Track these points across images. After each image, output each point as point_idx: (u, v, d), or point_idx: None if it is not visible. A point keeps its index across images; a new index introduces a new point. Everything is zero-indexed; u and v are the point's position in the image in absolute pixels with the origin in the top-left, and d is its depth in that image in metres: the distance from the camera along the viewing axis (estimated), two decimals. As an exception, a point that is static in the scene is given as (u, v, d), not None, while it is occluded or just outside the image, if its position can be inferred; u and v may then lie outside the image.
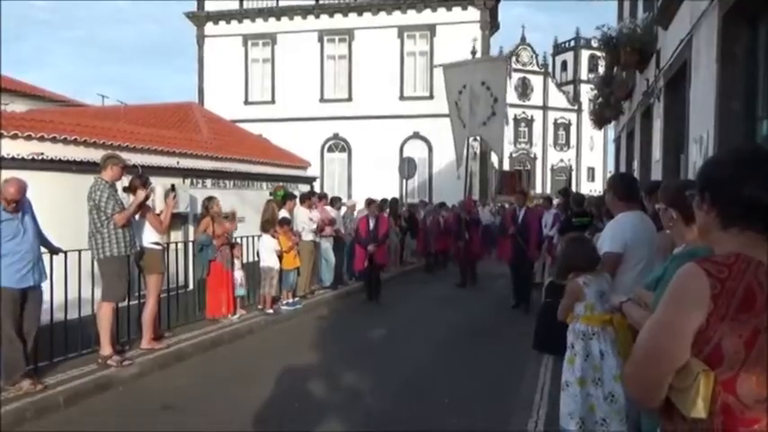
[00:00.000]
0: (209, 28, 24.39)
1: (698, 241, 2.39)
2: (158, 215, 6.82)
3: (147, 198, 6.21)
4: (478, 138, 18.89)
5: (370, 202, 11.17)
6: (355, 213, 12.72)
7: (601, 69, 13.63)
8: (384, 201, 14.30)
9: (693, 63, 5.34)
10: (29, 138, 9.33)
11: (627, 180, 4.02)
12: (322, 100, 23.64)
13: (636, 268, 3.44)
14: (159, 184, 10.27)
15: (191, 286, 9.23)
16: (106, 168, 5.89)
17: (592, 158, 50.52)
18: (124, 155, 10.56)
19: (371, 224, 10.45)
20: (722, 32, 4.28)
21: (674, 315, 1.42)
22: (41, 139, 9.47)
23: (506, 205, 17.50)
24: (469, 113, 11.95)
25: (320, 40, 23.75)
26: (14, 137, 9.17)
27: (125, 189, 6.40)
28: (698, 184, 1.58)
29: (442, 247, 14.44)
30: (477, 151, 22.68)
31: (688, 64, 5.51)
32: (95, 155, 9.61)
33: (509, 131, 44.76)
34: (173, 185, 7.34)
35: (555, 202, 12.15)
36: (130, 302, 6.62)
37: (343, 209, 12.52)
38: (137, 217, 6.34)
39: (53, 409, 4.89)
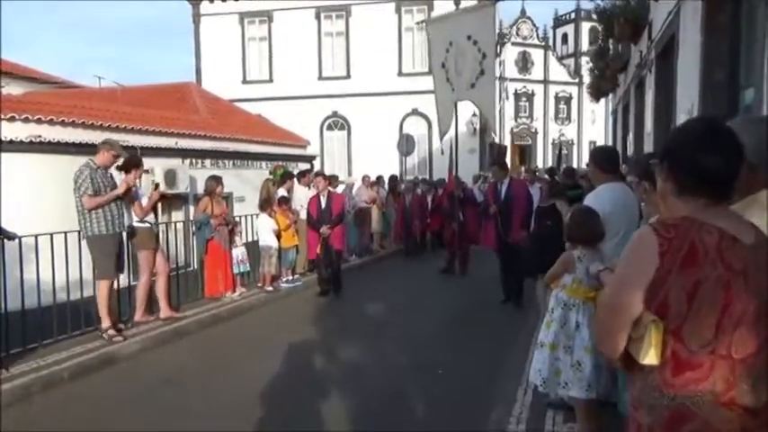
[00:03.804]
0: (205, 6, 24.16)
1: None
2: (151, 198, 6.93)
3: (129, 190, 6.24)
4: (476, 113, 18.75)
5: (317, 176, 9.59)
6: (353, 191, 12.81)
7: (601, 42, 13.50)
8: (379, 177, 14.38)
9: (681, 35, 5.37)
10: (26, 120, 9.40)
11: (607, 152, 4.10)
12: (320, 78, 23.51)
13: (615, 238, 3.53)
14: (158, 165, 10.41)
15: (192, 266, 9.38)
16: (98, 152, 6.01)
17: (593, 132, 50.23)
18: (123, 136, 10.74)
19: (323, 202, 8.82)
20: (707, 4, 4.31)
21: (628, 271, 1.59)
22: (39, 121, 9.54)
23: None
24: (456, 75, 10.26)
25: (317, 16, 23.54)
26: (11, 119, 9.23)
27: (119, 168, 6.51)
28: (659, 153, 1.71)
29: (425, 228, 13.31)
30: (477, 126, 22.61)
31: (676, 36, 5.53)
32: (93, 136, 9.70)
33: (509, 106, 44.48)
34: (157, 184, 7.52)
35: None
36: (131, 282, 6.80)
37: (341, 187, 12.60)
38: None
39: (58, 383, 5.07)
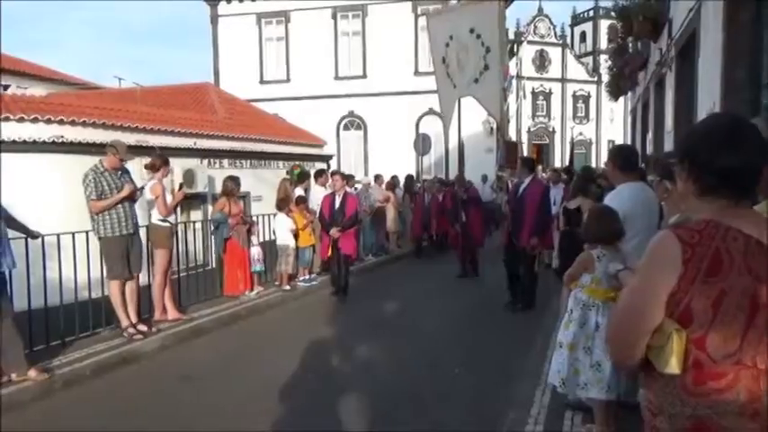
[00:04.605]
0: (223, 7, 24.34)
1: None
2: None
3: (133, 194, 6.20)
4: (487, 110, 18.55)
5: (334, 174, 9.28)
6: (370, 191, 12.83)
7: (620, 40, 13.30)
8: (394, 177, 14.37)
9: (702, 32, 5.29)
10: (49, 121, 9.56)
11: (626, 151, 4.05)
12: (337, 77, 23.57)
13: (635, 239, 3.49)
14: (177, 165, 10.52)
15: (210, 265, 9.48)
16: (106, 154, 6.08)
17: (612, 131, 49.72)
18: (142, 136, 10.91)
19: (337, 203, 8.64)
20: (728, 2, 4.25)
21: (649, 278, 1.52)
22: (61, 122, 9.70)
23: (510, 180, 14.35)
24: (458, 70, 9.61)
25: (334, 16, 23.61)
26: (35, 120, 9.41)
27: (146, 166, 6.63)
28: (678, 153, 1.66)
29: (440, 227, 12.76)
30: (494, 126, 22.49)
31: (697, 33, 5.46)
32: (114, 137, 9.83)
33: (527, 105, 44.17)
34: (181, 184, 7.56)
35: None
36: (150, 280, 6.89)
37: (358, 186, 12.63)
38: (148, 196, 6.57)
39: (81, 380, 5.16)
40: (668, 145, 7.56)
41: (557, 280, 6.43)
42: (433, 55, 10.39)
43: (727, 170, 1.47)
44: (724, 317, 1.43)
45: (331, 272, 9.07)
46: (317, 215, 9.14)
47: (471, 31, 9.26)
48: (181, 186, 7.26)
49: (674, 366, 1.46)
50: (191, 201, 11.42)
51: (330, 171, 10.63)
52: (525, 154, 29.92)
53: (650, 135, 9.85)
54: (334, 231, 8.48)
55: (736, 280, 1.42)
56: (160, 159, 6.76)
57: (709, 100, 4.98)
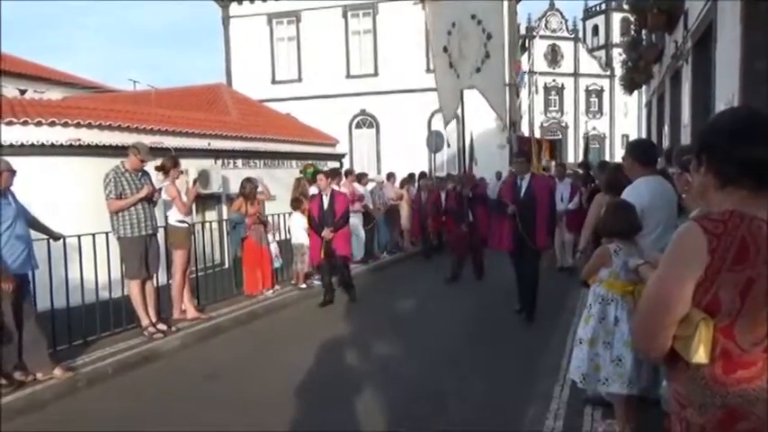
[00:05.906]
0: (234, 8, 24.49)
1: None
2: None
3: (151, 195, 6.22)
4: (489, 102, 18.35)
5: (317, 174, 8.59)
6: (383, 189, 12.85)
7: (634, 33, 13.16)
8: (411, 175, 14.37)
9: (719, 23, 5.24)
10: (66, 125, 9.68)
11: (645, 145, 4.03)
12: (348, 76, 23.63)
13: (654, 232, 3.48)
14: (192, 166, 10.61)
15: (226, 264, 9.56)
16: (128, 156, 6.15)
17: (626, 125, 49.35)
18: (157, 138, 11.00)
19: (325, 203, 8.12)
20: (746, -7, 4.21)
21: (676, 269, 1.52)
22: (78, 125, 9.82)
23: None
24: (459, 59, 9.00)
25: (344, 15, 23.67)
26: (52, 124, 9.53)
27: (157, 168, 6.68)
28: (695, 146, 1.66)
29: (439, 227, 12.19)
30: (507, 122, 22.37)
31: (714, 24, 5.40)
32: (130, 139, 9.95)
33: (539, 100, 43.93)
34: (195, 180, 7.55)
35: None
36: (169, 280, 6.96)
37: (371, 184, 12.65)
38: (164, 196, 6.65)
39: (104, 378, 5.24)
40: (685, 138, 7.49)
41: (570, 278, 6.28)
42: (433, 44, 9.82)
43: (748, 159, 1.48)
44: (752, 305, 1.44)
45: (321, 280, 8.49)
46: (307, 217, 8.53)
47: (473, 16, 8.72)
48: (194, 182, 7.29)
49: (702, 356, 1.47)
50: (205, 201, 11.52)
51: (344, 170, 10.54)
52: (542, 149, 29.55)
53: (666, 128, 9.75)
54: (326, 232, 7.95)
55: (762, 268, 1.43)
56: (171, 161, 6.80)
57: (727, 92, 4.93)
